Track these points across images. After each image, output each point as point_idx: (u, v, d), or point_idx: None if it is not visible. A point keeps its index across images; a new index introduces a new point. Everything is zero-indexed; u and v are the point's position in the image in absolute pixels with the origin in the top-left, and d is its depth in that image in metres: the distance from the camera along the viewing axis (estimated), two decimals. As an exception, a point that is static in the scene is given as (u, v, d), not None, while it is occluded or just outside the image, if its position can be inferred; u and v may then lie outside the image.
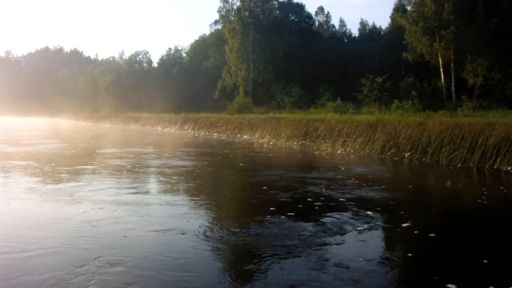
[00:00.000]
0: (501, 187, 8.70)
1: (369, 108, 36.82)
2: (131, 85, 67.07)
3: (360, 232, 5.09)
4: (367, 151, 13.79)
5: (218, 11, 52.31)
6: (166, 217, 5.67)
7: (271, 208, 6.17)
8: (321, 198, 6.95)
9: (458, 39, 35.82)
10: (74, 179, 8.73)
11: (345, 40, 65.51)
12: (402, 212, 6.40)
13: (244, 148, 17.34)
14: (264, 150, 16.51)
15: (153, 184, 8.67)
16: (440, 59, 38.16)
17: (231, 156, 14.59)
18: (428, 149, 12.06)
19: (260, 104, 47.04)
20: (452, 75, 37.80)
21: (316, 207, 6.36)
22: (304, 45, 51.04)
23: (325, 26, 67.37)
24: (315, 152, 14.71)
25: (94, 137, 23.29)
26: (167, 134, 28.12)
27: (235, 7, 51.01)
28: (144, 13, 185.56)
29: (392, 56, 48.28)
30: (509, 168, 10.29)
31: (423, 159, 12.14)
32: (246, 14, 50.27)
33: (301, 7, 55.23)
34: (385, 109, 34.80)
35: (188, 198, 7.23)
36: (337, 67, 50.73)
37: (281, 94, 46.52)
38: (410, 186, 8.71)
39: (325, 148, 15.89)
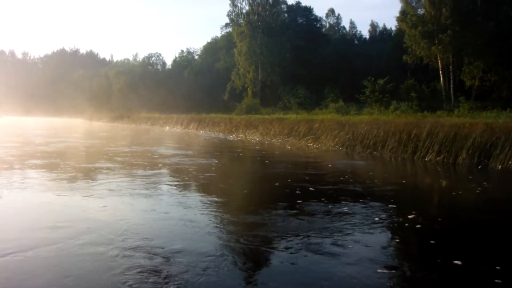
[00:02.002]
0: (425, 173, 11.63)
1: (370, 109, 39.13)
2: (144, 86, 70.81)
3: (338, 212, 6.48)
4: (330, 146, 16.70)
5: (228, 15, 55.54)
6: (175, 206, 6.87)
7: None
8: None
9: (456, 42, 38.11)
10: (100, 175, 10.09)
11: (356, 42, 67.93)
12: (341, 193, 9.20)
13: (230, 144, 20.39)
14: (247, 144, 19.54)
15: (160, 178, 10.18)
16: (439, 61, 40.54)
17: (216, 149, 17.68)
18: (378, 144, 14.89)
19: (268, 105, 49.91)
20: (451, 77, 40.17)
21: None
22: (311, 47, 53.80)
23: (336, 28, 70.07)
24: (287, 146, 17.73)
25: (107, 137, 26.40)
26: (170, 132, 31.39)
27: (244, 11, 54.11)
28: (158, 14, 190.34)
29: (399, 58, 50.46)
30: (433, 159, 13.09)
31: (374, 152, 15.01)
32: (255, 18, 53.26)
33: (309, 10, 58.06)
34: (384, 110, 37.08)
35: (182, 183, 10.12)
36: (343, 69, 53.29)
37: (287, 96, 49.28)
38: (347, 170, 11.63)
39: (299, 143, 18.86)
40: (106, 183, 8.88)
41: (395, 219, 6.30)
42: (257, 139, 23.16)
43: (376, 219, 6.16)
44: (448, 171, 11.84)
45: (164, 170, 10.92)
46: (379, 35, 67.38)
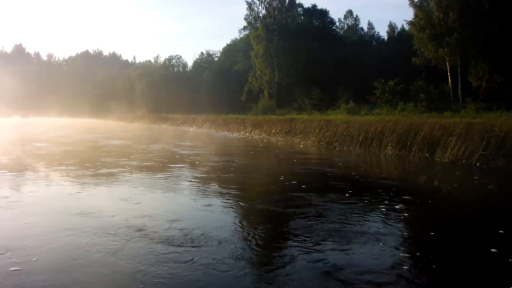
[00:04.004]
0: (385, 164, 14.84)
1: (380, 109, 41.81)
2: (165, 88, 75.07)
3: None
4: (315, 142, 20.02)
5: (245, 18, 58.94)
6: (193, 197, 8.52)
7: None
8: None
9: (462, 45, 40.56)
10: (130, 170, 11.84)
11: (374, 43, 70.43)
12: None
13: (233, 141, 23.92)
14: (248, 141, 23.02)
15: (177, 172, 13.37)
16: (447, 63, 43.01)
17: (220, 145, 21.26)
18: (352, 140, 18.12)
19: (283, 106, 53.07)
20: (459, 78, 42.56)
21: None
22: (326, 49, 56.62)
23: (354, 29, 72.77)
24: (278, 143, 21.13)
25: (131, 137, 30.14)
26: (186, 131, 35.21)
27: (260, 15, 57.42)
28: (180, 16, 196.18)
29: (414, 59, 52.64)
30: (392, 152, 16.25)
31: (349, 147, 18.23)
32: (271, 21, 56.52)
33: (324, 13, 61.00)
34: (393, 110, 39.68)
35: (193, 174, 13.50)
36: (358, 70, 55.95)
37: (302, 97, 52.38)
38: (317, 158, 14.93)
39: (292, 140, 22.22)
40: (137, 177, 10.89)
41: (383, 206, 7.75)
42: (259, 137, 26.63)
43: (370, 206, 7.78)
44: (402, 162, 14.96)
45: (184, 165, 13.85)
46: (398, 36, 69.54)
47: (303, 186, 9.65)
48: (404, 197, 8.54)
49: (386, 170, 13.22)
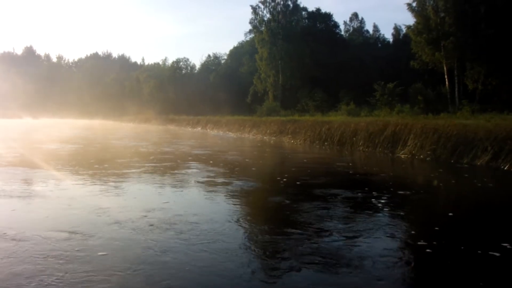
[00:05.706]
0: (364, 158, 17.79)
1: (380, 111, 44.51)
2: (173, 90, 78.64)
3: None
4: (301, 141, 23.06)
5: (250, 22, 62.19)
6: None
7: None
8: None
9: (458, 49, 43.23)
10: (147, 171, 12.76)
11: (379, 45, 73.08)
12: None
13: (229, 140, 27.00)
14: (246, 140, 26.07)
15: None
16: (444, 66, 45.66)
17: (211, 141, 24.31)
18: (331, 139, 21.09)
19: (288, 107, 55.96)
20: (456, 81, 45.17)
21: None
22: (330, 52, 59.48)
23: (359, 32, 75.48)
24: (270, 141, 24.20)
25: (146, 138, 33.13)
26: (190, 132, 38.38)
27: (265, 18, 60.58)
28: (189, 18, 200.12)
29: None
30: (361, 149, 19.19)
31: (329, 144, 21.21)
32: (276, 25, 59.60)
33: (328, 16, 63.97)
34: (390, 112, 42.37)
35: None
36: (361, 72, 58.62)
37: (305, 99, 55.23)
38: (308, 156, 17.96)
39: (282, 139, 25.25)
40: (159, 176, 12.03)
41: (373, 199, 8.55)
42: (254, 136, 29.72)
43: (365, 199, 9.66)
44: (370, 157, 17.83)
45: (198, 164, 16.33)
46: (402, 38, 72.04)
47: (289, 180, 11.78)
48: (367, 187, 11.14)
49: (359, 165, 15.99)
